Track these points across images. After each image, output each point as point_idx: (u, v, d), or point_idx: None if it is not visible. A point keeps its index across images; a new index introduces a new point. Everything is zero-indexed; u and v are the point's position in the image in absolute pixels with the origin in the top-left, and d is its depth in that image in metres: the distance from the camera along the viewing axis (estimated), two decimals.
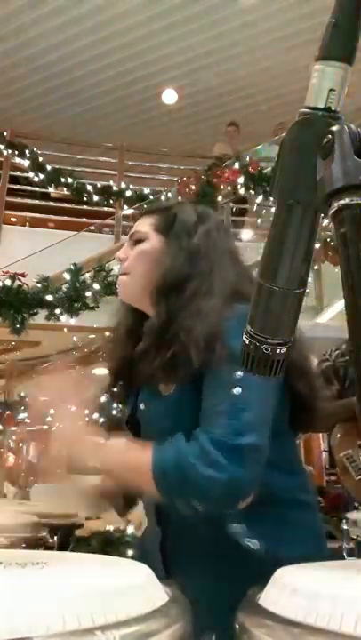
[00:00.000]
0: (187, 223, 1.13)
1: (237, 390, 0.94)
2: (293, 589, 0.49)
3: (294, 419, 1.11)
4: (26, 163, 7.06)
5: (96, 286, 4.69)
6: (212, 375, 0.98)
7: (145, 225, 1.16)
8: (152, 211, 1.21)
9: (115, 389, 1.22)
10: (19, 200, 7.78)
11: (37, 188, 7.75)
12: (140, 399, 1.14)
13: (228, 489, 0.91)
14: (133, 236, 1.17)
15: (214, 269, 1.08)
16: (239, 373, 0.94)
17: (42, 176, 7.06)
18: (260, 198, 5.94)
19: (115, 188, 7.13)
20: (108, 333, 1.28)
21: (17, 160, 7.11)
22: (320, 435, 6.20)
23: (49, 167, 7.05)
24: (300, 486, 1.11)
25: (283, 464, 1.06)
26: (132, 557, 1.08)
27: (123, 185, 7.17)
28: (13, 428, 6.36)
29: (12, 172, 7.32)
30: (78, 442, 1.06)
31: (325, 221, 0.55)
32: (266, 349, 0.59)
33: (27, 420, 5.38)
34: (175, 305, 1.05)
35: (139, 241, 1.15)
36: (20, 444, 7.89)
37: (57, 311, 4.58)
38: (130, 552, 3.59)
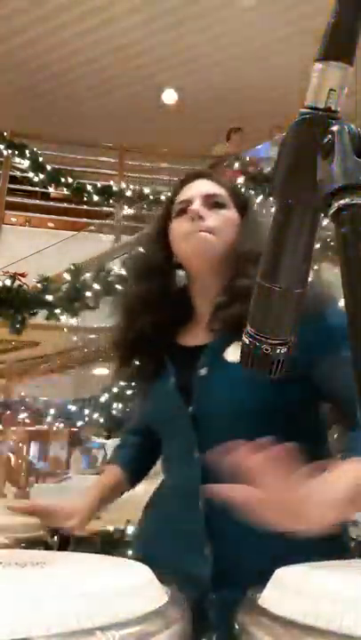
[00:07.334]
0: (255, 205, 1.16)
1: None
2: (293, 589, 0.49)
3: None
4: (26, 163, 7.06)
5: (96, 286, 4.68)
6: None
7: (222, 190, 1.14)
8: (218, 180, 1.18)
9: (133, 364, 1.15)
10: (19, 200, 7.81)
11: (37, 188, 7.77)
12: (201, 364, 1.05)
13: None
14: (212, 197, 1.12)
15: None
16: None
17: (42, 176, 7.06)
18: (260, 198, 5.93)
19: (115, 188, 7.13)
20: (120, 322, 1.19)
21: (17, 160, 7.12)
22: None
23: (49, 167, 7.05)
24: None
25: None
26: (132, 557, 1.07)
27: (123, 185, 7.18)
28: (13, 428, 6.37)
29: (11, 172, 7.34)
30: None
31: (325, 221, 0.55)
32: (266, 349, 0.59)
33: (27, 420, 5.38)
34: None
35: (220, 205, 1.12)
36: (20, 444, 7.89)
37: (57, 311, 4.57)
38: (130, 552, 3.58)
